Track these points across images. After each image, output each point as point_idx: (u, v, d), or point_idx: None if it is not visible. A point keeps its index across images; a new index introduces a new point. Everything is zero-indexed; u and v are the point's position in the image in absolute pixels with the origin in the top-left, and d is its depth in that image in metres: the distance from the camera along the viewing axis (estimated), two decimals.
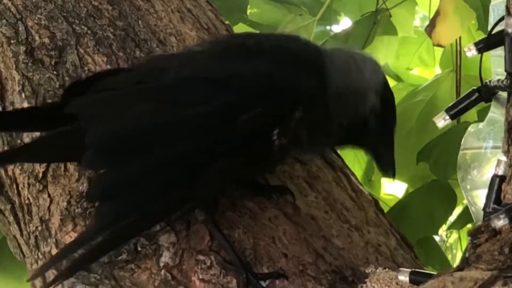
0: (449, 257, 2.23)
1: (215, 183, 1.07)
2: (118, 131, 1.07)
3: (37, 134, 1.19)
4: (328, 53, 1.13)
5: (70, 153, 1.12)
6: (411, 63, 2.35)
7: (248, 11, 2.14)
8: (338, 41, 2.05)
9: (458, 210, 2.01)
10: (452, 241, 2.34)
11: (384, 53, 2.17)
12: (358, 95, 1.11)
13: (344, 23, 2.27)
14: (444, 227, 2.04)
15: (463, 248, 2.09)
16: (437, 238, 2.09)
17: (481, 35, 1.79)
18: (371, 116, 1.11)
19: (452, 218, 2.00)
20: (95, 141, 1.06)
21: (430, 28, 1.97)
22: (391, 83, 2.08)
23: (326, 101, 1.10)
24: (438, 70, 2.28)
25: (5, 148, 1.22)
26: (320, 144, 1.17)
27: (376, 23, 2.08)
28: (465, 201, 1.84)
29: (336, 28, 2.23)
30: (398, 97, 1.91)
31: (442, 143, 1.84)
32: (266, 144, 1.07)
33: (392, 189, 2.15)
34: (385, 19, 2.08)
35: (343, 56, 1.14)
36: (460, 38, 2.03)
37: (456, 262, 2.02)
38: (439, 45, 2.01)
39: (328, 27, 2.21)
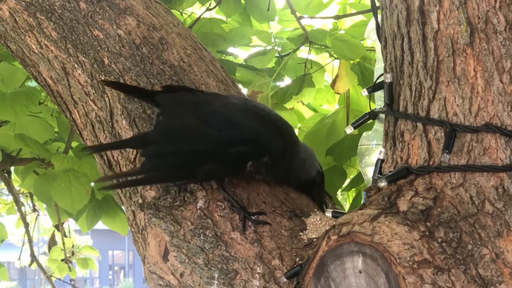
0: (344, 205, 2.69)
1: (206, 174, 1.36)
2: (172, 124, 1.39)
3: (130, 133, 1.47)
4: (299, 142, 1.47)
5: (144, 144, 1.38)
6: (322, 102, 2.97)
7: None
8: (282, 91, 2.55)
9: (347, 182, 2.49)
10: (344, 198, 2.79)
11: (308, 97, 2.80)
12: (313, 164, 1.51)
13: (287, 81, 2.78)
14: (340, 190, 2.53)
15: (350, 200, 2.58)
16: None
17: (359, 88, 2.53)
18: (317, 176, 1.50)
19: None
20: (159, 125, 1.39)
21: (333, 84, 2.61)
22: (312, 113, 2.82)
23: (286, 160, 1.43)
24: (337, 106, 2.88)
25: (111, 140, 1.50)
26: (272, 178, 1.47)
27: (304, 80, 2.64)
28: (351, 176, 2.40)
29: (282, 83, 2.76)
30: (314, 121, 2.58)
31: (339, 146, 2.41)
32: (242, 167, 1.38)
33: None
34: (308, 78, 2.65)
35: (302, 148, 1.49)
36: (349, 89, 2.64)
37: (347, 209, 2.34)
38: (337, 93, 2.67)
39: (278, 83, 2.71)
